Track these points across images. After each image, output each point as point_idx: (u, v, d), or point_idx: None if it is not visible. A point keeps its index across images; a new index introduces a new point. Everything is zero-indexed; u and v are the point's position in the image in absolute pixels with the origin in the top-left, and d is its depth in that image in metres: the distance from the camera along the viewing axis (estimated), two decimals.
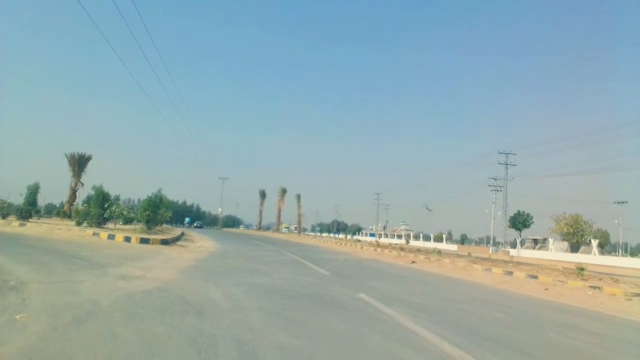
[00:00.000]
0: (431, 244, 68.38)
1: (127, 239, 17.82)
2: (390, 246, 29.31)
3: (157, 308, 5.58)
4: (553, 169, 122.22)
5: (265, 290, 7.77)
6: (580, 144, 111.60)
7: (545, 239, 61.96)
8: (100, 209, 22.22)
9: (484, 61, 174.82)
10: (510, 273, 13.33)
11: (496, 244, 64.46)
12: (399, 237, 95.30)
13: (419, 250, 21.58)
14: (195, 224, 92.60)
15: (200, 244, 22.64)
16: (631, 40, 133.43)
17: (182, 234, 30.75)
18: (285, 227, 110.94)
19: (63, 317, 4.76)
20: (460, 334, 5.15)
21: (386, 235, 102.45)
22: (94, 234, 18.49)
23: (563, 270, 14.32)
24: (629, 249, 74.51)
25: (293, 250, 22.16)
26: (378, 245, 29.21)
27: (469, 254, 20.77)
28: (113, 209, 22.09)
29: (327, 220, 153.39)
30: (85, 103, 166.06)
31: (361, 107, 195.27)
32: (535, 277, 12.39)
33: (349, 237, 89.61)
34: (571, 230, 49.66)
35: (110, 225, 23.34)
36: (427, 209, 56.36)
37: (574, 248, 54.75)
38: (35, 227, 19.58)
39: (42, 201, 53.84)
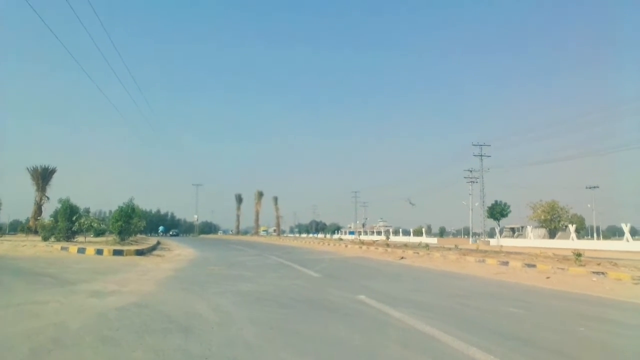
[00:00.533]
0: (411, 239, 68.64)
1: (99, 252, 16.70)
2: (374, 243, 28.91)
3: (135, 327, 4.83)
4: (526, 158, 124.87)
5: (255, 298, 7.08)
6: (552, 133, 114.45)
7: (523, 227, 63.19)
8: (69, 222, 20.90)
9: (456, 57, 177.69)
10: (506, 263, 13.02)
11: (475, 234, 65.31)
12: (378, 233, 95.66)
13: (405, 245, 21.22)
14: (170, 232, 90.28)
15: (178, 252, 21.61)
16: (602, 27, 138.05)
17: (158, 243, 29.51)
18: (264, 230, 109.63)
19: (18, 350, 3.96)
20: (483, 335, 4.61)
21: (365, 233, 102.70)
22: (62, 248, 17.26)
23: (554, 257, 14.15)
24: (600, 233, 76.73)
25: (276, 253, 21.40)
26: (362, 243, 28.74)
27: (456, 246, 20.52)
28: (82, 221, 20.80)
29: (305, 220, 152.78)
30: (51, 115, 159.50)
31: (334, 106, 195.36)
32: (533, 265, 12.11)
33: (328, 236, 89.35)
34: (548, 217, 50.61)
35: (80, 238, 22.01)
36: (410, 203, 56.77)
37: (552, 234, 55.96)
38: None
39: (6, 218, 51.27)
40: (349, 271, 12.49)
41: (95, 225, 21.97)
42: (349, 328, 4.96)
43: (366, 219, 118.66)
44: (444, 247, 20.98)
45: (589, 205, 70.28)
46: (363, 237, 78.31)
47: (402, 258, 16.73)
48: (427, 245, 20.06)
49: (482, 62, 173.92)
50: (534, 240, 49.49)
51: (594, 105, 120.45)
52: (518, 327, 5.22)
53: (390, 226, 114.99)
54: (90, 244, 19.82)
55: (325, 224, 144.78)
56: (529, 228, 52.59)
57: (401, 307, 6.20)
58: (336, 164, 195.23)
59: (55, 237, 20.75)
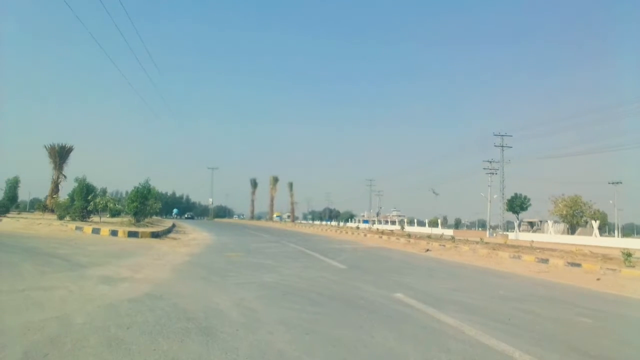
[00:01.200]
0: (426, 229, 67.56)
1: (114, 233, 16.26)
2: (393, 233, 28.06)
3: (149, 326, 4.14)
4: (548, 150, 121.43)
5: (281, 292, 6.36)
6: (575, 125, 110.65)
7: (542, 222, 61.49)
8: (84, 202, 20.54)
9: (476, 47, 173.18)
10: (546, 261, 12.10)
11: (491, 227, 63.86)
12: (392, 223, 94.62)
13: (429, 237, 20.35)
14: (186, 215, 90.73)
15: (194, 236, 21.14)
16: (625, 19, 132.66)
17: (174, 225, 29.20)
18: (277, 216, 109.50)
19: (11, 351, 3.30)
20: (563, 353, 3.80)
21: (379, 222, 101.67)
22: (76, 228, 16.87)
23: (591, 255, 13.16)
24: (619, 230, 74.40)
25: (293, 240, 20.77)
26: (382, 232, 27.88)
27: (482, 239, 19.54)
28: (97, 200, 20.41)
29: (319, 208, 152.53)
30: (71, 95, 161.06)
31: (353, 94, 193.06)
32: (577, 264, 11.19)
33: (341, 224, 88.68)
34: (570, 211, 48.92)
35: (95, 218, 21.71)
36: (434, 192, 55.57)
37: (572, 230, 54.28)
38: (11, 223, 17.88)
39: (27, 196, 51.80)
40: (376, 263, 11.71)
41: (111, 205, 21.59)
42: (398, 337, 4.19)
43: (380, 207, 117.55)
44: (468, 240, 20.07)
45: (610, 202, 67.96)
46: (377, 226, 77.44)
47: (427, 250, 15.90)
48: (453, 238, 19.15)
49: (505, 51, 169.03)
50: (554, 235, 47.97)
51: (620, 98, 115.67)
52: (598, 343, 4.39)
53: (404, 216, 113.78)
54: (105, 224, 19.45)
55: (338, 212, 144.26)
56: (549, 222, 50.97)
57: (451, 311, 5.41)
58: (351, 152, 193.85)
59: (70, 217, 20.44)
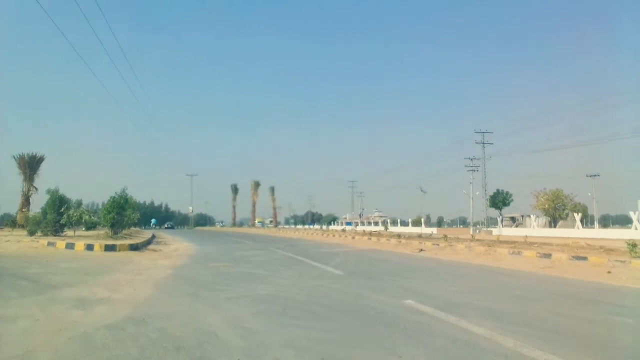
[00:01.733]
0: (410, 229, 67.63)
1: (89, 247, 15.24)
2: (381, 234, 27.59)
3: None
4: (526, 146, 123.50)
5: (280, 306, 5.69)
6: (552, 121, 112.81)
7: (523, 216, 62.32)
8: (57, 215, 19.36)
9: (454, 46, 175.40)
10: (548, 255, 11.72)
11: (474, 224, 64.32)
12: (375, 224, 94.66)
13: (419, 236, 19.91)
14: (165, 225, 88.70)
15: (175, 246, 20.18)
16: (603, 16, 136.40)
17: (153, 236, 28.04)
18: (259, 222, 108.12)
19: None
20: None
21: (362, 223, 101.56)
22: (49, 244, 15.78)
23: (589, 247, 12.90)
24: (597, 222, 76.10)
25: (280, 246, 20.04)
26: (370, 234, 27.29)
27: (473, 237, 19.21)
28: (71, 213, 19.25)
29: (301, 212, 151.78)
30: (43, 103, 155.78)
31: (330, 96, 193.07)
32: (583, 258, 10.84)
33: (324, 227, 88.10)
34: (552, 205, 49.57)
35: (69, 232, 20.49)
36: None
37: (553, 223, 55.06)
38: None
39: None
40: (373, 267, 11.12)
41: (86, 217, 20.45)
42: (428, 355, 3.59)
43: (363, 209, 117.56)
44: (459, 238, 19.75)
45: (589, 194, 69.41)
46: (361, 228, 77.26)
47: (421, 250, 15.43)
48: (445, 237, 18.75)
49: (481, 50, 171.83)
50: (537, 229, 48.48)
51: (595, 93, 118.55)
52: None
53: (386, 216, 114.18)
54: (80, 238, 18.33)
55: (321, 215, 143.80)
56: (532, 216, 51.57)
57: (474, 318, 4.85)
58: (331, 154, 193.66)
59: (42, 231, 19.21)
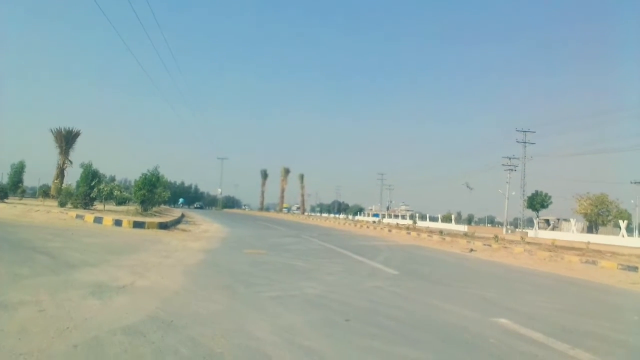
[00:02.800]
0: (439, 225, 65.63)
1: (118, 223, 14.56)
2: (421, 229, 26.07)
3: None
4: (566, 148, 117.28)
5: (339, 313, 4.54)
6: (595, 124, 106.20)
7: (558, 220, 59.27)
8: (87, 188, 18.89)
9: (494, 42, 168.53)
10: (634, 269, 10.11)
11: (498, 224, 61.65)
12: (403, 217, 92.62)
13: (466, 235, 18.45)
14: (195, 205, 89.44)
15: (205, 227, 19.41)
16: None
17: (182, 215, 27.54)
18: (285, 208, 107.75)
19: None
20: None
21: (390, 216, 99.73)
22: (77, 216, 15.20)
23: None
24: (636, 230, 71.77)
25: (314, 234, 18.93)
26: (408, 228, 25.62)
27: (522, 239, 17.54)
28: (101, 187, 18.71)
29: (327, 200, 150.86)
30: (79, 80, 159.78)
31: (367, 87, 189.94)
32: None
33: (350, 217, 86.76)
34: (595, 210, 46.59)
35: (99, 206, 20.03)
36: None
37: (590, 229, 51.94)
38: (7, 209, 16.23)
39: (36, 182, 50.34)
40: (429, 268, 9.79)
41: (117, 192, 19.90)
42: None
43: (391, 202, 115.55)
44: (510, 240, 18.17)
45: (632, 201, 65.24)
46: (387, 220, 75.79)
47: (471, 250, 14.01)
48: (496, 237, 17.19)
49: (524, 47, 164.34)
50: (576, 234, 45.70)
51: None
52: None
53: (412, 210, 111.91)
54: (109, 212, 17.78)
55: (347, 205, 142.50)
56: (572, 220, 48.72)
57: (603, 355, 3.54)
58: (361, 145, 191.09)
59: (72, 204, 18.79)
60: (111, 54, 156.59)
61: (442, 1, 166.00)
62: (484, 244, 15.37)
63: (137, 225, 14.62)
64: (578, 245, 18.71)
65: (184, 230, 16.27)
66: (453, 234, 20.20)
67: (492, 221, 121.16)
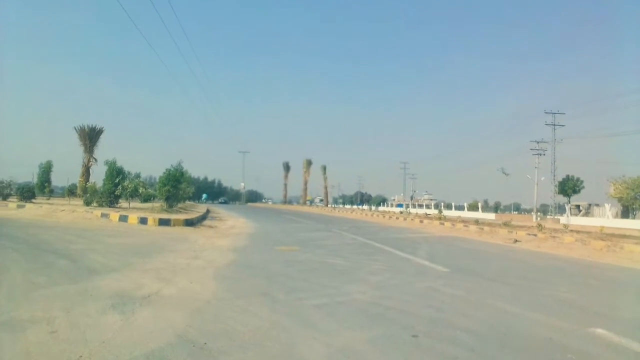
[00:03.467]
0: (465, 213, 64.00)
1: (143, 221, 14.15)
2: (456, 219, 24.97)
3: None
4: (593, 130, 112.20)
5: (404, 327, 3.77)
6: (620, 105, 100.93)
7: (590, 205, 56.88)
8: (112, 185, 18.65)
9: (516, 24, 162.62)
10: None
11: (524, 210, 59.43)
12: (427, 206, 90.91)
13: (505, 224, 17.37)
14: (219, 200, 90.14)
15: (231, 223, 18.91)
16: None
17: (208, 211, 27.20)
18: (308, 200, 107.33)
19: None
20: None
21: (414, 206, 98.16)
22: (102, 215, 14.87)
23: None
24: None
25: (344, 227, 18.19)
26: (440, 218, 24.44)
27: (565, 227, 16.27)
28: (126, 184, 18.40)
29: (349, 192, 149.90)
30: (102, 77, 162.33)
31: (386, 74, 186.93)
32: None
33: (373, 208, 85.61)
34: (632, 194, 44.11)
35: (124, 204, 19.79)
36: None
37: (624, 214, 49.47)
38: (33, 210, 16.06)
39: (64, 181, 51.25)
40: (479, 262, 8.88)
41: (141, 189, 19.57)
42: None
43: (414, 191, 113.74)
44: (554, 229, 17.00)
45: None
46: (412, 210, 74.53)
47: (515, 241, 12.98)
48: (540, 226, 16.07)
49: (550, 30, 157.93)
50: (611, 219, 43.56)
51: None
52: None
53: (436, 200, 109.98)
54: (134, 210, 17.47)
55: (370, 196, 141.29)
56: (607, 206, 46.40)
57: None
58: (381, 135, 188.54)
59: (97, 202, 18.56)
60: (131, 49, 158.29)
61: None
62: (528, 234, 14.26)
63: (163, 222, 14.17)
64: (619, 232, 17.35)
65: (210, 226, 15.78)
66: (490, 224, 19.13)
67: (518, 208, 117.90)
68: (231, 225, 17.44)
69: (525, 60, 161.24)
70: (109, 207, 18.11)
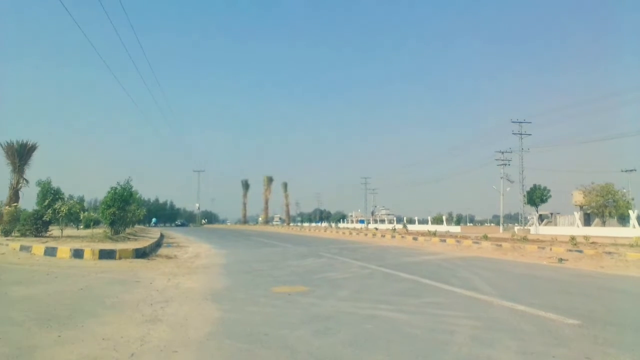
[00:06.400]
0: (429, 227, 62.92)
1: (77, 254, 10.65)
2: (430, 234, 22.61)
3: None
4: (554, 140, 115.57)
5: None
6: (580, 114, 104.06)
7: (551, 214, 57.37)
8: (41, 209, 14.82)
9: (473, 41, 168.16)
10: None
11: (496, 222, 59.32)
12: (390, 222, 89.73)
13: (524, 239, 15.17)
14: (177, 223, 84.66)
15: (194, 250, 15.49)
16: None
17: (162, 236, 23.38)
18: (262, 219, 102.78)
19: None
20: None
21: (375, 221, 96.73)
22: (22, 248, 11.22)
23: None
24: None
25: (332, 250, 15.18)
26: (431, 234, 21.68)
27: (572, 239, 13.99)
28: (56, 206, 14.60)
29: (307, 209, 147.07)
30: (42, 91, 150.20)
31: (343, 94, 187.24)
32: None
33: (333, 225, 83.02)
34: (601, 201, 44.28)
35: (56, 231, 15.81)
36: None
37: (586, 222, 49.96)
38: None
39: None
40: (588, 300, 6.08)
41: (77, 210, 15.78)
42: None
43: (375, 206, 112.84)
44: (539, 240, 14.96)
45: (623, 190, 64.06)
46: (373, 226, 72.87)
47: (561, 260, 10.58)
48: (573, 239, 13.75)
49: (507, 42, 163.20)
50: (582, 228, 43.46)
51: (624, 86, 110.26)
52: None
53: (393, 215, 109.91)
54: (68, 239, 13.69)
55: (329, 213, 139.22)
56: (576, 214, 46.45)
57: None
58: (338, 152, 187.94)
59: (19, 231, 14.62)
60: (81, 63, 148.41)
61: (419, 6, 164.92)
62: (568, 250, 12.01)
63: (105, 255, 10.70)
64: (590, 239, 15.24)
65: (168, 257, 12.37)
66: (504, 239, 16.79)
67: (472, 220, 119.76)
68: (194, 253, 14.06)
69: (491, 73, 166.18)
70: (36, 236, 14.22)
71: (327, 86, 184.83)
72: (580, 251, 11.63)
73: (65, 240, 13.48)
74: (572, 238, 13.42)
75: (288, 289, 6.77)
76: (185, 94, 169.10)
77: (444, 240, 17.86)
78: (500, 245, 14.42)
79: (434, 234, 22.26)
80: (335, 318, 4.77)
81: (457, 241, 16.83)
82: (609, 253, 10.83)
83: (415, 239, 20.10)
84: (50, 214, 14.63)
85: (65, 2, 12.27)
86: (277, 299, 5.93)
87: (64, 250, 10.81)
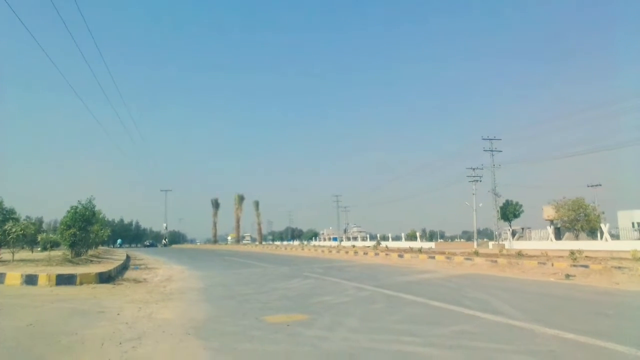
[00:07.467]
0: (404, 244, 62.83)
1: (30, 280, 9.29)
2: (412, 250, 21.93)
3: None
4: (521, 157, 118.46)
5: None
6: (550, 131, 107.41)
7: (522, 229, 58.28)
8: None
9: (459, 59, 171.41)
10: None
11: (469, 238, 59.83)
12: (363, 239, 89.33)
13: (519, 254, 14.56)
14: (145, 243, 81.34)
15: (164, 272, 14.13)
16: (604, 26, 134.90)
17: (128, 257, 21.67)
18: (232, 238, 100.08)
19: None
20: None
21: (348, 239, 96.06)
22: None
23: None
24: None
25: (317, 270, 14.08)
26: (419, 251, 20.60)
27: (577, 252, 13.59)
28: (7, 227, 13.00)
29: (278, 228, 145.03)
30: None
31: (315, 112, 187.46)
32: None
33: (305, 243, 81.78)
34: (574, 215, 45.14)
35: (7, 255, 14.09)
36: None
37: (557, 235, 50.96)
38: None
39: None
40: (610, 321, 5.51)
41: (33, 232, 14.19)
42: None
43: (347, 224, 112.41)
44: (530, 256, 14.50)
45: (593, 204, 66.19)
46: (346, 243, 72.23)
47: (568, 276, 9.94)
48: (573, 253, 13.04)
49: (479, 58, 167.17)
50: (555, 242, 44.12)
51: (591, 102, 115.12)
52: None
53: (364, 232, 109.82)
54: (21, 263, 12.12)
55: (301, 231, 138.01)
56: (549, 228, 47.16)
57: None
58: (309, 170, 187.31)
59: None
60: (41, 85, 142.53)
61: (388, 20, 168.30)
62: (571, 265, 11.45)
63: (64, 280, 9.36)
64: (563, 254, 14.96)
65: (137, 280, 11.06)
66: (496, 255, 16.18)
67: (442, 236, 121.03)
68: (166, 275, 12.74)
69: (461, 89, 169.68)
70: None
71: (297, 106, 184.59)
72: (586, 266, 11.09)
73: (17, 264, 11.92)
74: (572, 253, 12.90)
75: (284, 318, 5.75)
76: (151, 113, 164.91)
77: (433, 257, 17.13)
78: (496, 262, 13.80)
79: (420, 250, 21.51)
80: (356, 357, 3.81)
81: (448, 258, 16.11)
82: (619, 268, 10.31)
83: (400, 256, 19.28)
84: (0, 235, 13.01)
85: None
86: (276, 331, 4.92)
87: (13, 276, 9.41)
